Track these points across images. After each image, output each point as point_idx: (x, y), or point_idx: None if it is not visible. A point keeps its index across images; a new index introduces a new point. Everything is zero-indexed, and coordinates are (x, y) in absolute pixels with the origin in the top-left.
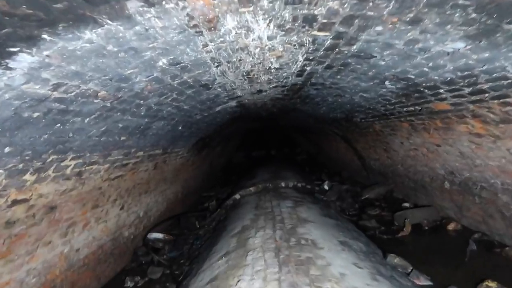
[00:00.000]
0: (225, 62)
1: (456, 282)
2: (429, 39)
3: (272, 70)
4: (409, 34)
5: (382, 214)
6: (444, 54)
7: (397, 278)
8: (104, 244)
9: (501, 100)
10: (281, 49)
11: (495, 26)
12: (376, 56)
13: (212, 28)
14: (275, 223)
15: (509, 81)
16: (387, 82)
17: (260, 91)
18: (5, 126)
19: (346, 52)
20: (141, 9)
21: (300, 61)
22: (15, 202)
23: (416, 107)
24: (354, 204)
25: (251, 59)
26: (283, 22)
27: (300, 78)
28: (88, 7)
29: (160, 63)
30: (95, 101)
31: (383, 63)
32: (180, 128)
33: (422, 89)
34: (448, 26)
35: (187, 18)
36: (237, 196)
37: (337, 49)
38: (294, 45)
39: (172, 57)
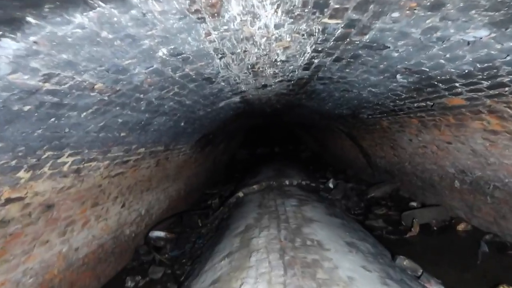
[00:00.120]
0: (229, 53)
1: (469, 286)
2: (449, 26)
3: (278, 63)
4: (427, 21)
5: (389, 213)
6: (463, 44)
7: (407, 282)
8: (105, 242)
9: None
10: (288, 39)
11: None
12: (389, 47)
13: (215, 14)
14: (279, 222)
15: None
16: (398, 76)
17: (265, 85)
18: None
19: (358, 42)
20: None
21: (308, 52)
22: (9, 201)
23: (428, 103)
24: (360, 203)
25: (256, 50)
26: (292, 7)
27: (306, 71)
28: None
29: (160, 53)
30: (92, 94)
31: (396, 54)
32: (182, 124)
33: (436, 83)
34: (473, 12)
35: (188, 1)
36: (240, 194)
37: (348, 39)
38: (303, 35)
39: (172, 47)
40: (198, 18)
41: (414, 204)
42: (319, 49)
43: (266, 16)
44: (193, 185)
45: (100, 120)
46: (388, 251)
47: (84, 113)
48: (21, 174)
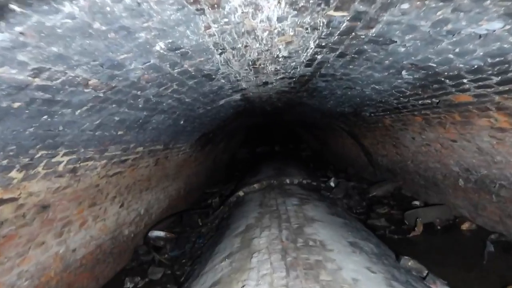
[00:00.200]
0: (229, 48)
1: (475, 286)
2: (461, 19)
3: (280, 59)
4: (438, 13)
5: (391, 212)
6: (475, 37)
7: (413, 283)
8: (103, 243)
9: None
10: (291, 34)
11: None
12: (396, 41)
13: (215, 5)
14: (280, 222)
15: None
16: (404, 72)
17: (266, 83)
18: None
19: (363, 37)
20: None
21: (311, 48)
22: (1, 202)
23: (433, 100)
24: (361, 201)
25: (258, 45)
26: None
27: (309, 68)
28: None
29: (157, 48)
30: (86, 90)
31: (402, 49)
32: (182, 122)
33: (443, 79)
34: (487, 2)
35: None
36: (241, 193)
37: (353, 34)
38: (306, 29)
39: (170, 41)
40: (197, 10)
41: (417, 203)
42: (323, 44)
43: (269, 8)
44: (193, 184)
45: (95, 118)
46: (392, 251)
47: (79, 111)
48: (14, 174)
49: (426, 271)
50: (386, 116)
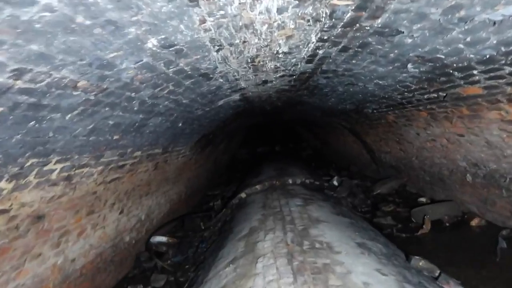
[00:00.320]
0: (226, 44)
1: (488, 285)
2: (475, 3)
3: (280, 55)
4: None
5: (397, 210)
6: (489, 24)
7: (426, 285)
8: (103, 251)
9: None
10: (292, 27)
11: None
12: (403, 32)
13: None
14: (285, 224)
15: None
16: (409, 65)
17: (265, 81)
18: None
19: (368, 28)
20: None
21: (313, 42)
22: None
23: (440, 93)
24: (366, 200)
25: (257, 40)
26: None
27: (310, 65)
28: None
29: (150, 45)
30: (75, 93)
31: (409, 41)
32: (180, 125)
33: (451, 71)
34: None
35: None
36: (243, 195)
37: (357, 25)
38: (308, 21)
39: (163, 37)
40: (191, 1)
41: (423, 199)
42: (325, 37)
43: None
44: (194, 187)
45: (88, 122)
46: (401, 251)
47: (69, 115)
48: (3, 184)
49: (438, 271)
50: (389, 112)
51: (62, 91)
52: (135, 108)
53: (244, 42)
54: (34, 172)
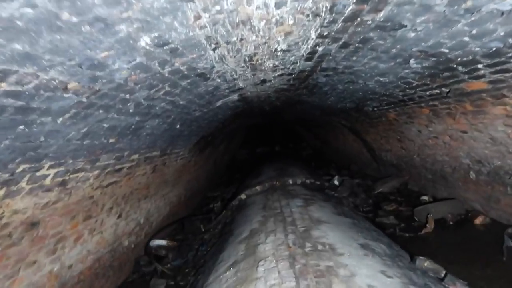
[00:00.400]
0: (223, 42)
1: (495, 284)
2: None
3: (279, 53)
4: None
5: (399, 209)
6: (496, 15)
7: (432, 287)
8: (102, 256)
9: None
10: (291, 22)
11: None
12: (405, 26)
13: None
14: (286, 225)
15: None
16: (412, 61)
17: (264, 81)
18: None
19: (370, 22)
20: None
21: (312, 39)
22: None
23: (443, 89)
24: (367, 199)
25: (254, 37)
26: None
27: (309, 62)
28: None
29: (143, 43)
30: (66, 95)
31: (412, 35)
32: (178, 126)
33: (455, 66)
34: None
35: None
36: (243, 196)
37: (359, 19)
38: (307, 16)
39: (156, 34)
40: None
41: (425, 198)
42: (325, 33)
43: None
44: (194, 189)
45: (82, 125)
46: (405, 251)
47: (61, 119)
48: None
49: (444, 272)
50: (390, 110)
51: (51, 93)
52: (131, 110)
53: (242, 39)
54: (26, 178)
